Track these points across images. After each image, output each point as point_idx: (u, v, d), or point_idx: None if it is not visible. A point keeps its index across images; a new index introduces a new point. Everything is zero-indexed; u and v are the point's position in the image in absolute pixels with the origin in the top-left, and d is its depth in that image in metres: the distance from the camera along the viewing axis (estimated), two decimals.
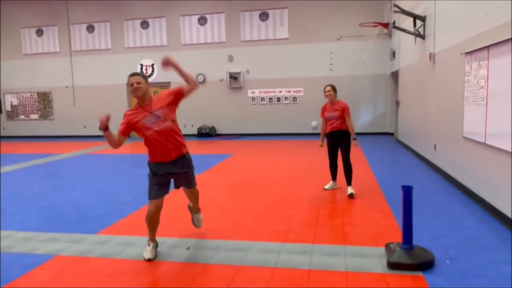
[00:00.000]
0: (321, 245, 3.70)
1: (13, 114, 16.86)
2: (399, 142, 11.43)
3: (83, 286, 3.01)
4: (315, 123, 14.08)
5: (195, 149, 11.22)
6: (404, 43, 10.32)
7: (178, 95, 3.47)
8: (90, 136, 15.82)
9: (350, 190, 5.44)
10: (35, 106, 16.57)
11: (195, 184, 3.82)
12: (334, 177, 5.86)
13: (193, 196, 3.93)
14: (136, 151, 11.34)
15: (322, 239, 3.86)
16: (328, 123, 5.65)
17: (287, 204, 5.18)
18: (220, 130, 15.07)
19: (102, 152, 11.27)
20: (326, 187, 5.85)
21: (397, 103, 11.96)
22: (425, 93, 8.04)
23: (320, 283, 2.95)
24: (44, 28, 16.02)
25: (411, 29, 8.44)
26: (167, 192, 3.57)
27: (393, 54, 12.38)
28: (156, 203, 3.44)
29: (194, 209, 4.08)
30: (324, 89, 5.60)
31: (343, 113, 5.52)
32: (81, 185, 6.86)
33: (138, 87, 3.34)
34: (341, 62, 13.85)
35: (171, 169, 3.49)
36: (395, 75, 12.59)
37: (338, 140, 5.61)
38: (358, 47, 13.69)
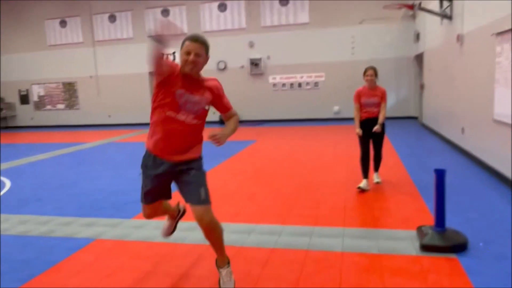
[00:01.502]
0: (352, 228, 3.75)
1: (40, 104, 17.32)
2: (424, 126, 11.26)
3: (124, 268, 3.16)
4: (337, 108, 13.98)
5: None
6: (430, 24, 10.08)
7: (219, 105, 2.73)
8: (114, 124, 16.16)
9: (376, 177, 5.27)
10: (61, 96, 16.98)
11: (209, 202, 2.56)
12: (366, 174, 5.05)
13: (211, 231, 2.56)
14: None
15: (352, 223, 3.91)
16: (363, 110, 5.08)
17: (314, 189, 5.23)
18: (242, 116, 15.11)
19: (127, 140, 11.52)
20: (361, 185, 4.96)
21: (422, 86, 11.74)
22: (452, 75, 7.88)
23: (354, 265, 3.01)
24: (67, 19, 16.29)
25: (437, 10, 8.24)
26: (168, 195, 2.80)
27: (418, 36, 12.11)
28: (152, 206, 2.82)
29: (219, 261, 2.70)
30: (365, 72, 4.99)
31: (382, 100, 5.06)
32: (110, 172, 7.06)
33: (196, 61, 2.44)
34: (363, 46, 13.64)
35: (169, 170, 2.61)
36: (419, 58, 12.34)
37: (373, 120, 5.04)
38: (381, 30, 13.44)
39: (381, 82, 14.00)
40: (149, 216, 2.91)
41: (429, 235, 3.23)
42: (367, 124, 5.06)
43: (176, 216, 3.15)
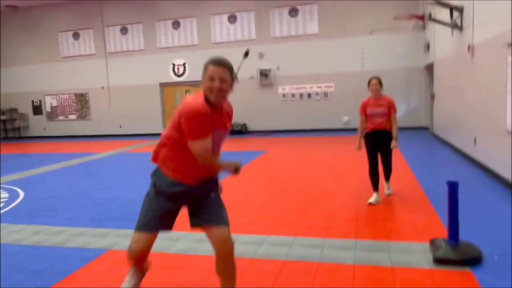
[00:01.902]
0: (363, 240, 3.73)
1: (53, 115, 17.59)
2: (435, 136, 11.19)
3: None
4: (346, 118, 13.96)
5: (228, 147, 11.35)
6: (440, 35, 10.08)
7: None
8: (125, 135, 16.33)
9: (387, 188, 5.15)
10: (73, 107, 17.24)
11: (228, 224, 2.42)
12: (376, 187, 4.95)
13: (232, 257, 2.41)
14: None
15: (364, 235, 3.89)
16: (369, 121, 4.94)
17: (325, 200, 5.21)
18: (252, 127, 15.19)
19: (137, 151, 11.62)
20: (371, 200, 4.86)
21: (433, 96, 11.69)
22: (463, 85, 7.84)
23: (366, 278, 2.99)
24: (80, 32, 16.61)
25: (448, 20, 8.24)
26: (172, 225, 2.51)
27: (428, 46, 12.10)
28: (151, 237, 2.44)
29: None
30: (369, 82, 4.90)
31: (390, 110, 4.88)
32: (122, 182, 7.13)
33: (222, 88, 2.20)
34: (372, 56, 13.66)
35: (188, 191, 2.39)
36: (429, 68, 12.31)
37: (381, 141, 4.93)
38: (391, 40, 13.46)
39: (391, 92, 13.90)
40: (139, 253, 2.46)
41: (443, 248, 3.20)
42: (373, 136, 4.94)
43: (144, 271, 2.72)
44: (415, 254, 3.35)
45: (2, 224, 4.81)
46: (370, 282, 2.93)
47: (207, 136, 2.21)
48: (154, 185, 2.43)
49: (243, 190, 6.04)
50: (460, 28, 7.85)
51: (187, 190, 2.37)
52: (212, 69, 2.19)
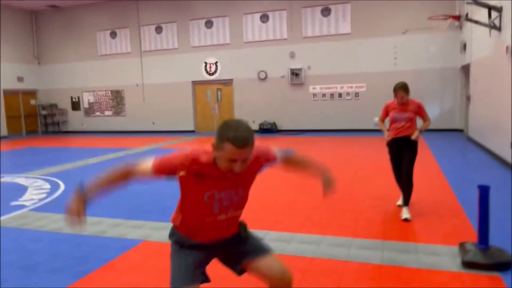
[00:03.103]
0: (391, 241, 3.75)
1: (90, 110, 18.29)
2: (469, 139, 10.90)
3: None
4: (377, 119, 13.76)
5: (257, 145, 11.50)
6: (477, 35, 9.80)
7: (270, 162, 2.09)
8: (158, 131, 16.77)
9: (405, 213, 4.40)
10: (109, 103, 17.86)
11: (272, 251, 2.13)
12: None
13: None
14: (202, 146, 11.85)
15: (392, 236, 3.91)
16: (391, 126, 4.55)
17: (354, 201, 5.24)
18: (281, 126, 15.25)
19: (170, 147, 11.95)
20: (399, 203, 4.75)
21: (468, 98, 11.38)
22: (500, 87, 7.62)
23: (393, 279, 3.03)
24: (117, 31, 17.17)
25: (486, 20, 8.03)
26: (207, 277, 2.06)
27: (464, 46, 11.78)
28: None
29: None
30: (396, 92, 4.44)
31: (418, 114, 4.50)
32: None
33: (245, 165, 1.81)
34: (406, 56, 13.42)
35: (211, 245, 2.06)
36: (465, 69, 11.98)
37: (404, 147, 4.51)
38: (425, 40, 13.17)
39: (424, 94, 13.50)
40: None
41: (472, 251, 3.19)
42: (395, 143, 4.55)
43: None
44: (444, 257, 3.35)
45: (45, 214, 5.14)
46: (397, 282, 2.96)
47: (154, 172, 1.91)
48: (175, 242, 2.06)
49: (272, 188, 6.14)
50: (499, 28, 7.63)
51: (207, 245, 2.04)
52: (232, 150, 1.72)
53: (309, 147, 10.78)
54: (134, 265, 3.46)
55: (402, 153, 4.52)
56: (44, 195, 6.14)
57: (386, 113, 4.70)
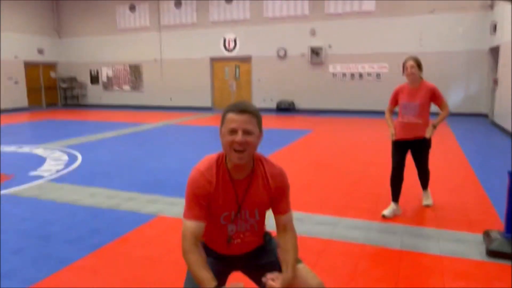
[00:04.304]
0: (412, 226, 3.63)
1: (108, 85, 18.36)
2: (495, 124, 10.52)
3: None
4: None
5: (274, 124, 11.38)
6: (509, 15, 9.30)
7: (276, 205, 1.80)
8: (175, 107, 16.76)
9: (427, 198, 4.09)
10: (127, 78, 17.87)
11: (301, 261, 1.78)
12: (396, 197, 3.91)
13: None
14: (218, 123, 11.78)
15: (413, 221, 3.78)
16: (399, 120, 3.92)
17: (372, 183, 5.10)
18: (299, 105, 15.03)
19: (187, 123, 11.92)
20: (385, 213, 3.83)
21: (496, 82, 10.93)
22: None
23: (413, 264, 2.92)
24: (136, 4, 16.99)
25: None
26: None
27: (495, 27, 11.24)
28: None
29: None
30: (405, 64, 3.80)
31: (432, 101, 3.78)
32: (171, 153, 7.37)
33: (246, 142, 1.60)
34: (432, 37, 12.90)
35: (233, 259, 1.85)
36: (494, 51, 11.47)
37: (415, 148, 3.90)
38: (453, 20, 12.62)
39: (450, 76, 13.00)
40: None
41: (498, 240, 3.05)
42: (403, 146, 3.90)
43: None
44: (467, 244, 3.22)
45: (62, 184, 5.17)
46: (417, 269, 2.86)
47: (191, 219, 1.63)
48: None
49: (288, 169, 6.02)
50: None
51: (224, 256, 1.83)
52: (232, 118, 1.60)
53: (327, 128, 10.59)
54: (148, 239, 3.43)
55: (413, 154, 3.94)
56: (61, 167, 6.18)
57: (395, 100, 3.96)
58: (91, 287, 2.66)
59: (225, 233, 1.75)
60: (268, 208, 1.79)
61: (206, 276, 1.54)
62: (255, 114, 1.63)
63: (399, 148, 3.92)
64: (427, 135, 3.77)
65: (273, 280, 1.60)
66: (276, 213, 1.79)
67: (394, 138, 3.90)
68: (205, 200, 1.66)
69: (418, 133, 3.81)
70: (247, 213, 1.73)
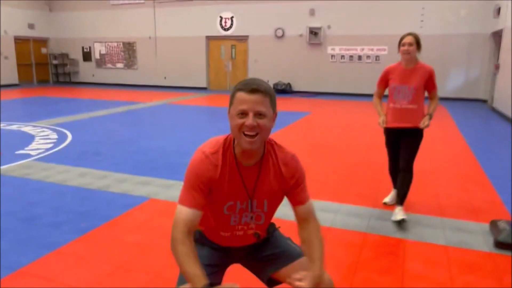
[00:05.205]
0: (415, 214, 3.48)
1: (101, 62, 17.91)
2: (494, 110, 10.38)
3: None
4: None
5: None
6: None
7: (292, 195, 1.62)
8: (169, 86, 16.42)
9: (399, 213, 3.25)
10: (120, 56, 17.43)
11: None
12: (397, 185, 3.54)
13: None
14: (213, 104, 11.55)
15: (415, 208, 3.63)
16: (390, 105, 3.41)
17: (372, 168, 4.95)
18: (296, 87, 14.77)
19: (180, 103, 11.65)
20: (386, 200, 3.72)
21: (497, 67, 10.74)
22: None
23: (418, 254, 2.78)
24: None
25: None
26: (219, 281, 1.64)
27: (498, 11, 10.98)
28: None
29: None
30: (402, 40, 3.26)
31: (425, 84, 3.28)
32: (164, 133, 7.15)
33: (259, 127, 1.40)
34: (433, 19, 12.62)
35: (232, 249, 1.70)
36: (497, 35, 11.24)
37: (407, 136, 3.37)
38: (456, 2, 12.33)
39: (450, 60, 12.73)
40: None
41: (506, 231, 2.91)
42: (394, 134, 3.45)
43: None
44: (473, 234, 3.09)
45: (50, 164, 4.95)
46: (422, 259, 2.71)
47: (187, 205, 1.44)
48: (195, 240, 1.58)
49: None
50: None
51: (224, 247, 1.69)
52: (243, 98, 1.38)
53: (324, 110, 10.40)
54: (139, 223, 3.26)
55: (403, 141, 3.41)
56: (50, 145, 5.96)
57: (384, 82, 3.47)
58: (78, 274, 2.49)
59: (227, 223, 1.57)
60: (279, 200, 1.60)
61: (196, 272, 1.33)
62: (268, 93, 1.41)
63: (392, 137, 3.49)
64: (422, 126, 3.24)
65: (300, 280, 1.42)
66: (294, 204, 1.61)
67: (384, 125, 3.40)
68: (206, 186, 1.46)
69: (412, 121, 3.30)
70: (254, 204, 1.55)
